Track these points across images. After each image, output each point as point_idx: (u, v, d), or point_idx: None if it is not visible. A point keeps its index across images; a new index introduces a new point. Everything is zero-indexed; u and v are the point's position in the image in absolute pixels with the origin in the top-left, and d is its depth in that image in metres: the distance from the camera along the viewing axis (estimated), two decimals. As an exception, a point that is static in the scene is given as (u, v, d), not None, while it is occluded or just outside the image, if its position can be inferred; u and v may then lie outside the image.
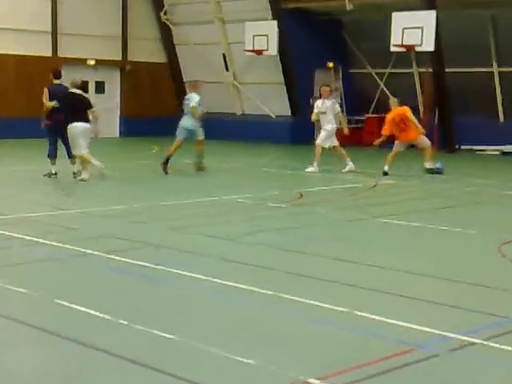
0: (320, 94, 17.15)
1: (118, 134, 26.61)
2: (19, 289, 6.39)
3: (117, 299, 6.26)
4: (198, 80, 16.58)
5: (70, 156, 14.26)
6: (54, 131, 14.16)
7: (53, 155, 14.23)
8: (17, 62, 23.39)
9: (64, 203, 11.59)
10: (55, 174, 14.23)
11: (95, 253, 7.82)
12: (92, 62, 25.07)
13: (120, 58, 26.27)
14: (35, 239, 8.51)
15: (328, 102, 16.43)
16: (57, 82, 14.47)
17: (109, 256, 7.69)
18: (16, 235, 8.71)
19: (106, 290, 6.58)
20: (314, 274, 7.12)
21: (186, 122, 15.54)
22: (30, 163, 16.86)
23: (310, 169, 16.35)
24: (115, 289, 6.62)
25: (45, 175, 14.17)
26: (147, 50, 26.60)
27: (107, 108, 25.75)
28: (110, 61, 25.83)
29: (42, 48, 24.19)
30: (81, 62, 24.78)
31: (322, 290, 6.65)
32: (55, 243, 8.29)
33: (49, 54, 24.47)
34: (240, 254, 8.07)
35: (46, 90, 14.17)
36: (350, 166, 16.34)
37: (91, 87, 25.69)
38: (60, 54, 24.70)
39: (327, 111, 16.31)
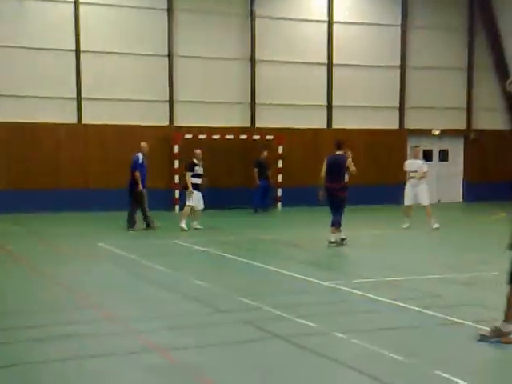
0: None
1: (460, 199, 25.86)
2: (392, 354, 6.23)
3: (489, 372, 5.76)
4: None
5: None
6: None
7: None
8: (367, 134, 24.12)
9: (419, 268, 11.32)
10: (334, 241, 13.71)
11: (460, 321, 7.40)
12: (437, 132, 24.82)
13: (464, 127, 25.69)
14: (400, 304, 8.37)
15: None
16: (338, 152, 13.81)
17: (477, 326, 7.20)
18: (381, 299, 8.67)
19: (475, 359, 6.10)
20: None
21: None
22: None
23: None
24: (486, 359, 6.13)
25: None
26: (492, 120, 25.60)
27: (450, 174, 25.38)
28: (453, 130, 25.38)
29: (390, 122, 24.71)
30: (425, 132, 24.71)
31: None
32: (418, 309, 8.07)
33: (396, 126, 24.90)
34: None
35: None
36: None
37: (435, 155, 25.50)
38: (406, 126, 24.95)
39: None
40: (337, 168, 13.56)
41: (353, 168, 13.85)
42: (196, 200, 16.28)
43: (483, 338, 6.70)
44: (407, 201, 16.92)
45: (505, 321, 6.72)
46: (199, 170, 16.40)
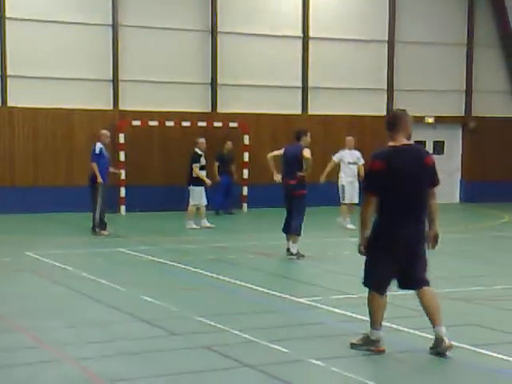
0: None
1: (457, 200, 26.14)
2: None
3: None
4: None
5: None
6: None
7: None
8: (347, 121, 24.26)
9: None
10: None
11: (462, 345, 7.48)
12: (431, 120, 25.12)
13: (462, 114, 25.98)
14: (388, 324, 8.41)
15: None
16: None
17: (479, 350, 7.28)
18: (365, 319, 8.70)
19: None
20: None
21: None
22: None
23: None
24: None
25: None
26: (495, 105, 25.95)
27: (446, 170, 25.57)
28: (450, 117, 25.66)
29: (376, 107, 24.84)
30: (417, 119, 24.91)
31: None
32: (407, 330, 8.14)
33: (383, 112, 25.08)
34: None
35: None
36: None
37: (429, 148, 25.70)
38: (394, 112, 25.12)
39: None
40: (290, 160, 13.22)
41: (306, 154, 13.01)
42: (200, 196, 17.83)
43: (354, 346, 7.40)
44: (348, 198, 17.77)
45: (373, 328, 7.37)
46: (203, 161, 17.89)
